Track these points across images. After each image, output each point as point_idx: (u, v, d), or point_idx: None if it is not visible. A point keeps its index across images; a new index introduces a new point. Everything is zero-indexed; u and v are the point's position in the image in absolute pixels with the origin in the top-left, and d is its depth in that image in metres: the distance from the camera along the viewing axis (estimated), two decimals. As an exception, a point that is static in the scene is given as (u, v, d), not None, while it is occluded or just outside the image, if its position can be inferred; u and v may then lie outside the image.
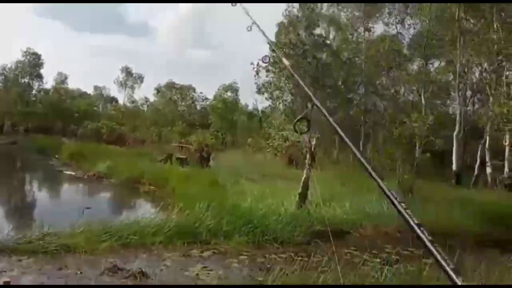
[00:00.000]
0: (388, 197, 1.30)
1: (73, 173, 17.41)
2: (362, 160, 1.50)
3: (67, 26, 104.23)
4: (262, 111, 37.20)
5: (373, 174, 1.40)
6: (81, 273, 5.76)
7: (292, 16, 14.69)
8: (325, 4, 27.30)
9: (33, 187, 16.46)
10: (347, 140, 1.61)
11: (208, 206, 9.21)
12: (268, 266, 6.31)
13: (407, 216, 1.23)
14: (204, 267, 6.60)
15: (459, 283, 1.06)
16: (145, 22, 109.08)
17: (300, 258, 6.33)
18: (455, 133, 21.56)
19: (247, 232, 8.46)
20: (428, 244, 1.17)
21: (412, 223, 1.21)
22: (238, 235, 8.36)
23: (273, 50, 12.52)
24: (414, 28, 26.46)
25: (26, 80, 40.19)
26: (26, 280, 5.42)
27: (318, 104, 1.78)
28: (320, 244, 7.95)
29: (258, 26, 2.58)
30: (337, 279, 5.34)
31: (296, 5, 20.07)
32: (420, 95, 25.69)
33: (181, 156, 19.89)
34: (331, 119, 1.71)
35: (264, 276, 5.52)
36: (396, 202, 1.28)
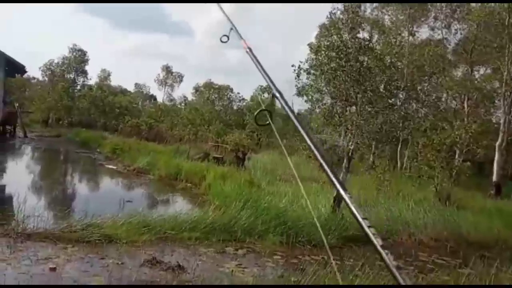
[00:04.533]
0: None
1: (114, 167, 17.89)
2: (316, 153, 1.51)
3: (109, 24, 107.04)
4: (298, 114, 37.16)
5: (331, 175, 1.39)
6: (122, 263, 5.99)
7: (334, 19, 14.69)
8: (368, 7, 27.01)
9: (76, 179, 17.05)
10: (306, 137, 1.60)
11: (243, 205, 9.37)
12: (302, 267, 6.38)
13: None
14: (239, 264, 6.74)
15: (402, 283, 1.07)
16: (185, 21, 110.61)
17: (334, 261, 6.37)
18: (497, 143, 20.92)
19: (281, 232, 8.55)
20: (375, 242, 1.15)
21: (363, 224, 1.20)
22: (272, 235, 8.46)
23: (315, 52, 12.54)
24: (461, 33, 25.84)
25: (72, 76, 41.52)
26: (70, 267, 5.69)
27: (277, 95, 1.74)
28: (354, 248, 7.97)
29: (237, 32, 2.29)
30: (370, 284, 5.36)
31: (340, 7, 19.98)
32: (463, 103, 25.05)
33: (217, 155, 20.14)
34: (290, 113, 1.69)
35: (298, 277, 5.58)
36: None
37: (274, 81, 1.88)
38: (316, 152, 1.52)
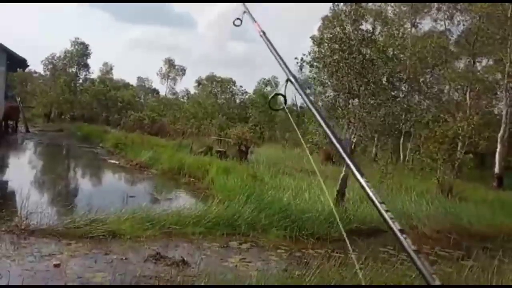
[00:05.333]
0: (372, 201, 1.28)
1: (116, 162, 17.86)
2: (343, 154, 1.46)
3: (111, 17, 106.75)
4: (301, 107, 37.19)
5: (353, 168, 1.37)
6: (126, 259, 6.01)
7: (337, 11, 14.65)
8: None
9: (79, 174, 17.08)
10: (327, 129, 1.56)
11: (246, 199, 9.38)
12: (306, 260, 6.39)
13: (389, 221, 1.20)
14: (243, 258, 6.75)
15: (422, 267, 1.07)
16: (188, 14, 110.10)
17: (337, 254, 6.38)
18: (499, 135, 20.90)
19: (284, 226, 8.56)
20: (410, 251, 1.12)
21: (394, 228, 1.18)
22: (276, 229, 8.48)
23: (318, 45, 12.48)
24: (464, 25, 25.74)
25: (74, 70, 41.46)
26: (74, 263, 5.70)
27: (292, 79, 1.71)
28: (358, 241, 7.98)
29: (250, 15, 2.23)
30: (374, 277, 5.37)
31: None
32: (465, 94, 24.98)
33: (220, 149, 20.13)
34: (304, 97, 1.65)
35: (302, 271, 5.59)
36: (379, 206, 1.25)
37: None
38: (332, 137, 1.49)
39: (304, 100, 1.66)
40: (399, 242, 1.14)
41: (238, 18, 2.25)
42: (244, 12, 2.24)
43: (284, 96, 1.79)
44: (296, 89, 1.70)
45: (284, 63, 1.86)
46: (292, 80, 1.72)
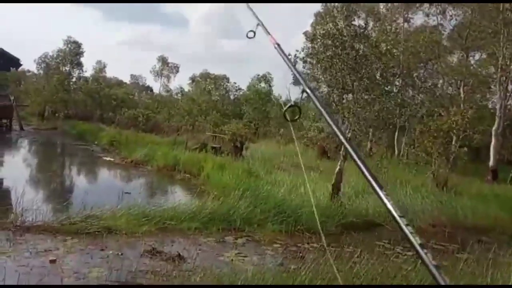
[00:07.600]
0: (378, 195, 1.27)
1: (111, 159, 17.84)
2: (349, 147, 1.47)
3: (103, 15, 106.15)
4: (295, 102, 37.14)
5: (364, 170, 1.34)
6: (122, 254, 6.02)
7: (330, 7, 14.66)
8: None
9: (74, 171, 17.02)
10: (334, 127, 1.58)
11: (242, 194, 9.40)
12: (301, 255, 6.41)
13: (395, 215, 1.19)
14: (239, 253, 6.78)
15: (442, 283, 1.05)
16: (179, 12, 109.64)
17: (333, 248, 6.41)
18: (494, 128, 20.96)
19: (280, 221, 8.59)
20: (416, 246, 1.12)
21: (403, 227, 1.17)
22: (271, 223, 8.50)
23: (311, 41, 12.49)
24: (456, 19, 25.74)
25: (67, 68, 41.17)
26: (70, 259, 5.71)
27: (309, 92, 1.74)
28: (353, 235, 8.03)
29: (264, 27, 2.28)
30: (369, 270, 5.40)
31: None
32: (459, 88, 25.06)
33: (215, 146, 20.12)
34: (322, 109, 1.68)
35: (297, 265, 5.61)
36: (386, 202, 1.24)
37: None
38: (351, 151, 1.44)
39: (321, 111, 1.68)
40: (420, 257, 1.13)
41: (251, 31, 2.30)
42: (258, 24, 2.29)
43: (299, 107, 1.84)
44: (313, 100, 1.73)
45: (300, 75, 1.91)
46: (308, 91, 1.75)
